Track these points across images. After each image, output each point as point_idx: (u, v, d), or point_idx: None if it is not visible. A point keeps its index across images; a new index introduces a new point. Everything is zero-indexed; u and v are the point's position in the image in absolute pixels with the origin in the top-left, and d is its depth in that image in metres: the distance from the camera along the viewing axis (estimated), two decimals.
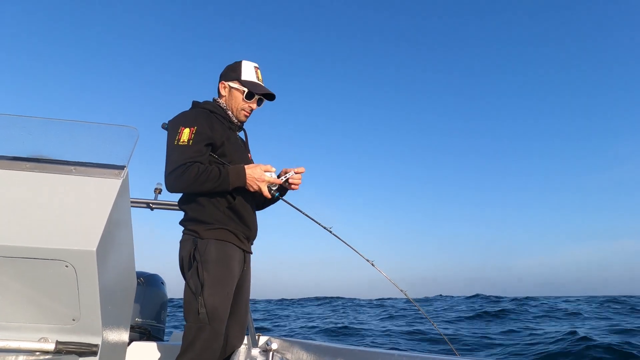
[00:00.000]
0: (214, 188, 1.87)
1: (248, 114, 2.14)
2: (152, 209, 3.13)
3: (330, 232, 2.44)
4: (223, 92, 2.13)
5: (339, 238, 2.45)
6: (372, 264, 2.54)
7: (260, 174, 1.92)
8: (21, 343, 1.26)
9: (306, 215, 2.34)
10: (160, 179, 3.33)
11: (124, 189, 1.49)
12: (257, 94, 2.10)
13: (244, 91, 2.07)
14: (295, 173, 2.09)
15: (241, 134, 2.27)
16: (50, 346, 1.27)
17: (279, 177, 2.04)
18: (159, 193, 3.18)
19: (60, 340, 1.29)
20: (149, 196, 3.15)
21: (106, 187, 1.43)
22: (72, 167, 1.46)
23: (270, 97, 2.16)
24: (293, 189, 2.15)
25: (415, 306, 2.74)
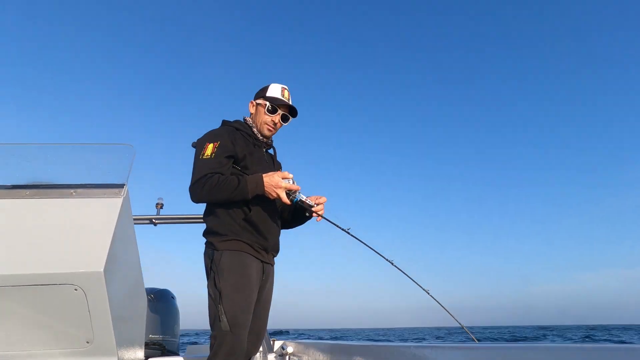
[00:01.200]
0: (233, 196, 1.95)
1: (272, 128, 2.23)
2: (155, 224, 3.13)
3: (393, 264, 2.47)
4: (251, 110, 2.26)
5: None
6: (392, 263, 2.55)
7: (277, 181, 1.97)
8: None
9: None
10: (160, 194, 3.34)
11: (125, 207, 1.49)
12: (276, 104, 2.21)
13: (266, 105, 2.20)
14: (317, 204, 2.09)
15: (271, 152, 2.36)
16: None
17: (298, 197, 2.04)
18: (161, 208, 3.18)
19: None
20: (151, 212, 3.16)
21: (108, 207, 1.43)
22: (72, 190, 1.46)
23: (293, 111, 2.26)
24: (316, 214, 2.14)
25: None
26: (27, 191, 1.44)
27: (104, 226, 1.38)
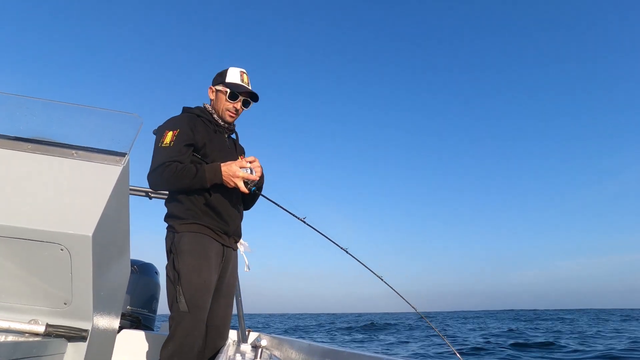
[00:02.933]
0: (191, 185, 1.98)
1: (233, 114, 2.24)
2: (150, 198, 3.13)
3: (304, 221, 2.48)
4: (211, 96, 2.27)
5: (313, 227, 2.47)
6: (347, 251, 2.56)
7: (234, 170, 1.99)
8: (11, 324, 1.26)
9: (282, 207, 2.39)
10: None
11: (123, 176, 1.49)
12: (238, 92, 2.21)
13: (227, 92, 2.20)
14: (250, 163, 2.10)
15: (233, 137, 2.38)
16: (40, 328, 1.27)
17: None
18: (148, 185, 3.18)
19: (50, 323, 1.29)
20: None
21: (106, 173, 1.43)
22: (74, 151, 1.46)
23: (254, 97, 2.27)
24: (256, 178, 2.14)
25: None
26: (29, 145, 1.43)
27: (99, 191, 1.38)
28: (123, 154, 1.49)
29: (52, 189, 1.36)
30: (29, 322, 1.30)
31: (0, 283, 1.30)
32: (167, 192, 3.14)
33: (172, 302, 1.95)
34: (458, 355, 2.68)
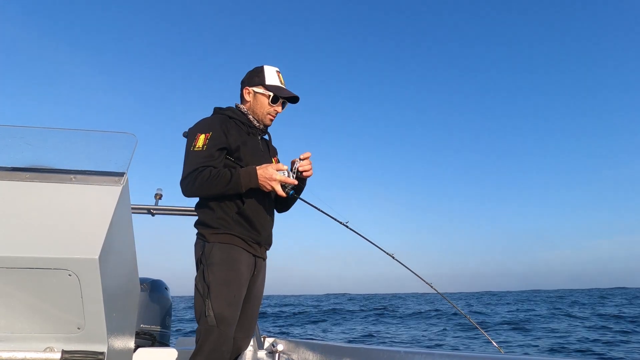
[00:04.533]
0: (226, 190, 1.90)
1: (273, 118, 2.18)
2: (153, 214, 3.14)
3: (347, 226, 2.45)
4: (247, 98, 2.16)
5: (356, 232, 2.45)
6: (393, 257, 2.53)
7: (271, 173, 1.91)
8: (27, 353, 1.26)
9: (323, 212, 2.34)
10: (160, 184, 3.34)
11: (124, 195, 1.49)
12: (283, 97, 2.13)
13: (270, 95, 2.11)
14: (302, 160, 2.07)
15: (266, 137, 2.30)
16: (57, 356, 1.27)
17: (291, 170, 2.02)
18: (160, 198, 3.18)
19: (65, 349, 1.29)
20: (150, 202, 3.16)
21: (106, 195, 1.43)
22: (72, 176, 1.46)
23: (294, 99, 2.19)
24: (307, 176, 2.12)
25: (445, 299, 2.73)
26: (27, 174, 1.43)
27: (101, 213, 1.38)
28: (121, 174, 1.49)
29: (54, 216, 1.36)
30: (45, 350, 1.30)
31: (12, 314, 1.30)
32: (172, 209, 3.16)
33: (201, 315, 1.89)
34: (486, 335, 2.67)
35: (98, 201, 1.41)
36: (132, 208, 1.96)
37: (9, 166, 1.45)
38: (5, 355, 1.25)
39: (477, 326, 2.69)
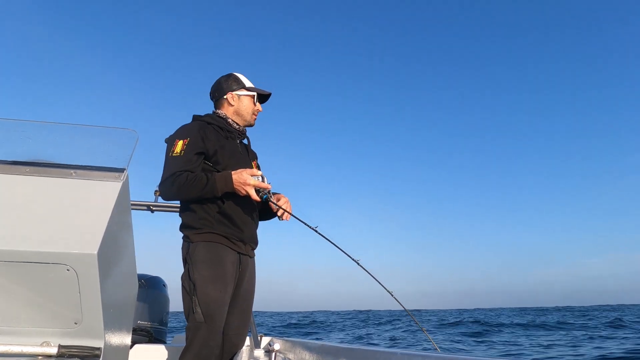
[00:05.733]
0: (203, 194, 1.97)
1: (256, 117, 2.31)
2: (152, 211, 3.14)
3: (316, 231, 2.42)
4: (232, 102, 2.26)
5: (324, 237, 2.41)
6: (358, 263, 2.47)
7: (245, 178, 1.97)
8: (24, 347, 1.26)
9: (294, 216, 2.32)
10: (159, 181, 3.33)
11: (124, 191, 1.49)
12: (265, 94, 2.30)
13: (254, 95, 2.26)
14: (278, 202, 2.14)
15: (245, 142, 2.38)
16: (53, 350, 1.27)
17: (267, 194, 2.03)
18: (159, 195, 3.19)
19: (62, 344, 1.29)
20: (150, 198, 3.16)
21: (106, 190, 1.43)
22: (72, 171, 1.46)
23: (268, 96, 2.35)
24: (283, 219, 2.20)
25: (405, 312, 2.68)
26: (27, 168, 1.43)
27: (101, 209, 1.38)
28: (122, 170, 1.49)
29: (53, 210, 1.36)
30: (42, 345, 1.30)
31: (9, 308, 1.30)
32: (171, 205, 3.16)
33: (189, 312, 1.95)
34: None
35: (98, 197, 1.41)
36: (132, 204, 1.96)
37: (9, 160, 1.45)
38: (1, 348, 1.25)
39: (421, 325, 2.70)
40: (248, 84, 2.29)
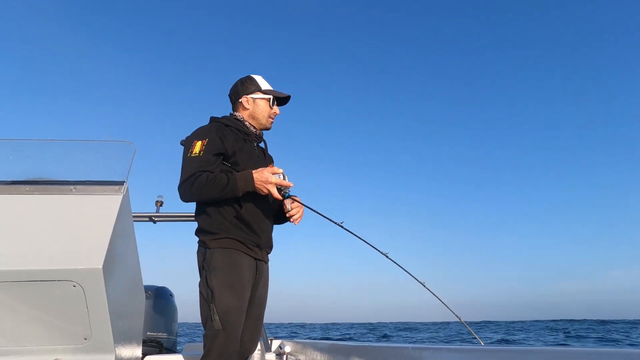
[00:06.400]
0: (223, 194, 1.93)
1: (273, 120, 2.27)
2: (154, 222, 3.13)
3: (342, 226, 2.41)
4: (247, 105, 2.23)
5: (351, 232, 2.40)
6: (387, 256, 2.48)
7: (267, 177, 1.94)
8: None
9: (318, 212, 2.32)
10: (160, 191, 3.33)
11: (125, 204, 1.49)
12: (282, 97, 2.26)
13: (270, 99, 2.22)
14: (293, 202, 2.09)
15: (262, 145, 2.34)
16: None
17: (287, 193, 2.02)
18: (161, 205, 3.18)
19: None
20: (151, 210, 3.15)
21: (107, 204, 1.43)
22: (72, 187, 1.46)
23: (287, 99, 2.31)
24: (293, 220, 2.14)
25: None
26: (27, 187, 1.44)
27: (103, 223, 1.38)
28: (121, 183, 1.49)
29: (55, 227, 1.36)
30: None
31: (18, 327, 1.30)
32: (173, 215, 3.16)
33: (207, 320, 1.91)
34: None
35: (99, 211, 1.41)
36: (134, 216, 1.96)
37: (9, 180, 1.45)
38: None
39: (466, 325, 2.69)
40: (265, 86, 2.24)
